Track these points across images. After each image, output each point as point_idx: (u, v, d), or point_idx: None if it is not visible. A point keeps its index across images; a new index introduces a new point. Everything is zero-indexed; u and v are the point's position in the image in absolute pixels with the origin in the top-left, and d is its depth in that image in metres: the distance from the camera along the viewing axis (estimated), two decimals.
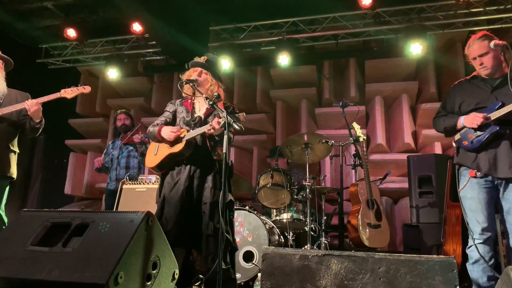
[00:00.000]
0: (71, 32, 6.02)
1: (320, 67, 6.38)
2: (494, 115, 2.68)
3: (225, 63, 5.97)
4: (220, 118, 2.81)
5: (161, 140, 3.05)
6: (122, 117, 5.15)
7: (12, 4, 5.80)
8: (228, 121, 2.61)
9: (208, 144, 3.05)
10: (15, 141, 3.31)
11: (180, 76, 3.23)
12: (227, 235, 2.83)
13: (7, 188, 3.21)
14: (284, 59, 5.79)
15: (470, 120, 2.76)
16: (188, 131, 3.02)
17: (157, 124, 3.14)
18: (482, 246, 2.71)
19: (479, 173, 2.74)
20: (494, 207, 2.77)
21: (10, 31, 6.28)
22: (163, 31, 5.89)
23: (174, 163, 3.01)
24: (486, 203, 2.72)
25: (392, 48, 5.78)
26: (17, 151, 3.32)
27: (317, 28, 5.92)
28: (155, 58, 6.72)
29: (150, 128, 3.13)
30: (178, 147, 2.95)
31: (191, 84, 3.03)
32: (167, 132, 2.99)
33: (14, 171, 3.23)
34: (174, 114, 3.20)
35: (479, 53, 2.83)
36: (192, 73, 3.17)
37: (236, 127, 2.63)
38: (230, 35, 6.21)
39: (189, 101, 3.20)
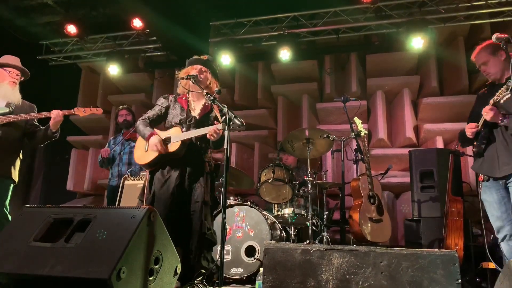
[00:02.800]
0: (71, 28, 6.01)
1: (321, 62, 6.36)
2: (480, 122, 2.89)
3: (226, 59, 5.96)
4: (220, 123, 2.84)
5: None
6: (123, 113, 5.14)
7: (12, 1, 5.79)
8: (229, 116, 2.62)
9: (199, 145, 3.06)
10: (21, 149, 3.40)
11: (176, 73, 3.22)
12: (209, 233, 2.89)
13: (11, 189, 3.28)
14: (285, 54, 5.77)
15: (466, 132, 3.00)
16: (182, 129, 3.01)
17: (148, 118, 3.13)
18: (503, 244, 2.90)
19: (485, 176, 2.97)
20: (508, 205, 2.90)
21: (11, 28, 6.27)
22: (163, 26, 5.87)
23: (166, 162, 3.01)
24: (497, 203, 2.90)
25: (394, 42, 5.75)
26: (21, 157, 3.40)
27: (318, 23, 5.90)
28: (156, 54, 6.71)
29: (140, 126, 3.08)
30: (174, 147, 2.95)
31: (192, 79, 3.02)
32: (154, 143, 2.95)
33: (16, 176, 3.33)
34: (167, 109, 3.19)
35: (481, 62, 3.01)
36: (190, 70, 3.16)
37: (237, 122, 2.65)
38: (231, 30, 6.19)
39: (184, 98, 3.18)
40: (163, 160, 3.00)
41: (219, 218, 3.21)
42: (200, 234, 2.84)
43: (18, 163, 3.35)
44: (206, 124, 3.01)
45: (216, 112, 3.10)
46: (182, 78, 3.10)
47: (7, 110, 3.25)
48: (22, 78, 3.47)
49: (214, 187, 3.14)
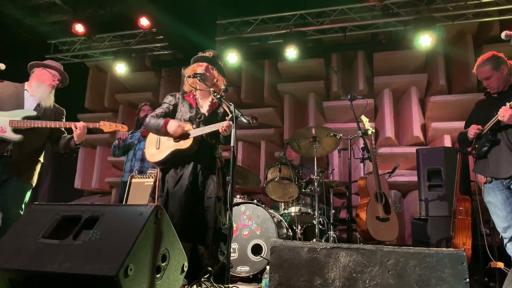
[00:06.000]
0: (79, 28, 6.06)
1: (328, 60, 6.34)
2: (486, 126, 3.01)
3: (233, 57, 5.96)
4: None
5: (164, 133, 3.04)
6: (146, 109, 5.22)
7: (21, 0, 5.84)
8: (236, 114, 2.64)
9: (209, 141, 3.09)
10: (43, 153, 3.39)
11: (182, 70, 3.21)
12: (224, 228, 2.91)
13: (29, 192, 3.28)
14: (291, 53, 5.76)
15: (469, 132, 3.12)
16: (192, 126, 3.03)
17: (157, 116, 3.11)
18: (510, 245, 2.92)
19: (488, 178, 3.05)
20: None
21: (19, 27, 6.32)
22: (170, 25, 5.89)
23: (178, 159, 3.03)
24: (502, 204, 2.95)
25: (401, 40, 5.72)
26: (42, 161, 3.39)
27: (325, 21, 5.88)
28: (163, 52, 6.73)
29: (151, 120, 3.07)
30: (186, 144, 2.96)
31: (198, 77, 3.02)
32: (173, 127, 2.96)
33: (35, 180, 3.32)
34: (175, 107, 3.19)
35: (484, 77, 3.11)
36: (197, 68, 3.16)
37: (244, 120, 2.68)
38: (237, 28, 6.19)
39: (191, 96, 3.20)
40: (175, 158, 3.02)
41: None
42: (215, 230, 2.88)
43: (38, 167, 3.33)
44: (214, 120, 3.03)
45: (224, 107, 3.12)
46: (189, 77, 3.10)
47: (34, 113, 3.19)
48: (60, 85, 3.47)
49: (226, 182, 3.15)
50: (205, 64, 3.16)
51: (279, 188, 4.50)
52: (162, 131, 3.02)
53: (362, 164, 4.69)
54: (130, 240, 1.79)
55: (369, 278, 1.88)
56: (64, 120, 3.46)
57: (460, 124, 5.27)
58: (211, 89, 2.98)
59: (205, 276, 2.75)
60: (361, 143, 4.45)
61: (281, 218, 4.26)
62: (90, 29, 6.17)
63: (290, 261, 1.99)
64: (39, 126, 3.15)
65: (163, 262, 1.97)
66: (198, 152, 3.01)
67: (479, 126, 3.06)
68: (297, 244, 2.03)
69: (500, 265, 3.69)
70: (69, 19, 6.11)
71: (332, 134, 4.31)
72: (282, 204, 4.57)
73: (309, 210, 4.36)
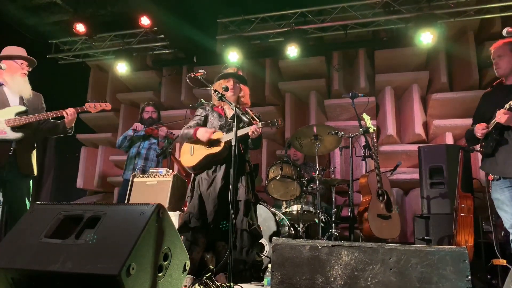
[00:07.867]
0: (80, 27, 6.07)
1: (329, 58, 6.33)
2: (491, 124, 2.97)
3: (233, 56, 5.95)
4: (258, 122, 3.08)
5: (196, 140, 3.25)
6: (150, 110, 5.20)
7: (22, 0, 5.84)
8: (237, 113, 2.74)
9: (240, 146, 3.24)
10: (36, 141, 3.46)
11: (211, 89, 3.23)
12: (252, 229, 3.14)
13: (32, 183, 3.38)
14: (292, 51, 5.75)
15: (476, 132, 3.08)
16: (223, 133, 3.23)
17: (191, 127, 3.35)
18: None
19: (496, 176, 3.02)
20: None
21: (20, 27, 6.33)
22: (171, 24, 5.89)
23: (211, 163, 3.21)
24: (510, 201, 2.95)
25: (402, 38, 5.70)
26: (35, 148, 3.46)
27: (326, 19, 5.86)
28: (164, 51, 6.73)
29: (185, 130, 3.33)
30: (217, 149, 3.16)
31: (199, 77, 3.11)
32: (202, 133, 3.20)
33: (35, 169, 3.40)
34: (206, 118, 3.42)
35: (496, 54, 3.06)
36: (224, 84, 3.35)
37: (245, 119, 2.89)
38: (238, 27, 6.19)
39: (219, 107, 3.42)
40: (207, 162, 3.20)
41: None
42: (241, 231, 3.07)
43: (34, 156, 3.41)
44: (241, 127, 3.18)
45: (251, 113, 3.32)
46: (189, 77, 3.21)
47: (23, 108, 3.27)
48: (30, 69, 3.49)
49: (254, 185, 3.35)
50: (231, 80, 3.38)
51: (280, 187, 4.50)
52: (193, 139, 3.26)
53: (363, 162, 4.68)
54: (132, 239, 1.79)
55: (371, 276, 1.88)
56: (44, 104, 3.53)
57: (462, 122, 5.31)
58: (212, 88, 3.09)
59: (207, 275, 2.78)
60: (362, 141, 4.45)
61: (283, 217, 4.27)
62: (91, 29, 6.18)
63: (292, 259, 1.99)
64: (35, 120, 3.25)
65: (165, 261, 1.97)
66: (229, 156, 3.15)
67: (485, 125, 3.02)
68: (298, 243, 2.03)
69: (503, 262, 3.68)
70: (70, 18, 6.11)
71: (333, 132, 4.31)
72: (284, 202, 4.57)
73: (311, 209, 4.36)
